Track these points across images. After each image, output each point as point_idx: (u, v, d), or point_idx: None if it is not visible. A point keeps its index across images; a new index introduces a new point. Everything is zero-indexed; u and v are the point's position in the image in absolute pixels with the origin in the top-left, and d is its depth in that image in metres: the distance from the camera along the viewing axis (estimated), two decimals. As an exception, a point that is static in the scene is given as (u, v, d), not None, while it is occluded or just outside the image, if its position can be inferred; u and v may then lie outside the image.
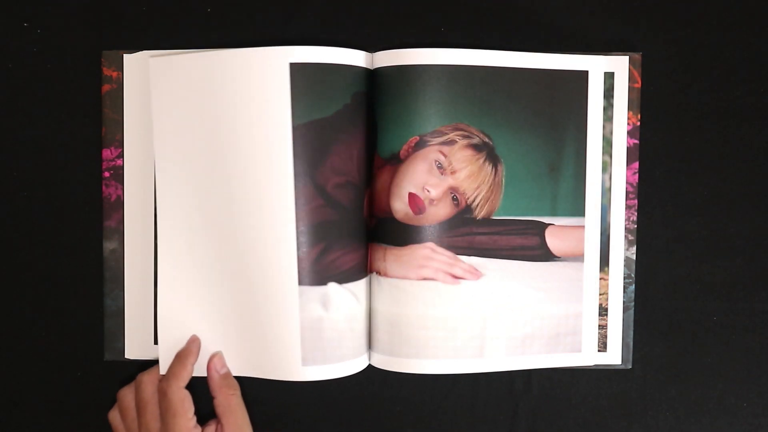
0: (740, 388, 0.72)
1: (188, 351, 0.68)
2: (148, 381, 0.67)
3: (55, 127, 0.71)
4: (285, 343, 0.67)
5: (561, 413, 0.70)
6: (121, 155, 0.70)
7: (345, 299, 0.68)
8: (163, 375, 0.67)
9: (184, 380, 0.66)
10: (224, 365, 0.69)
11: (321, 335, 0.67)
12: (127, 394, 0.68)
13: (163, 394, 0.66)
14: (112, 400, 0.72)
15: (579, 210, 0.70)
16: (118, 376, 0.72)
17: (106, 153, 0.71)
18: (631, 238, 0.70)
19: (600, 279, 0.70)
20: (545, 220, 0.70)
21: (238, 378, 0.69)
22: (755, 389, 0.72)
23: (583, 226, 0.70)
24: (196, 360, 0.68)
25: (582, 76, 0.69)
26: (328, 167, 0.67)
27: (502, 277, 0.69)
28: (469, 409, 0.72)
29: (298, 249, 0.66)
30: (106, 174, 0.71)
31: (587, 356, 0.70)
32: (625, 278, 0.71)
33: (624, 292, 0.71)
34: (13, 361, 0.72)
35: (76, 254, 0.71)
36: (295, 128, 0.66)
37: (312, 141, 0.66)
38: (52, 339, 0.72)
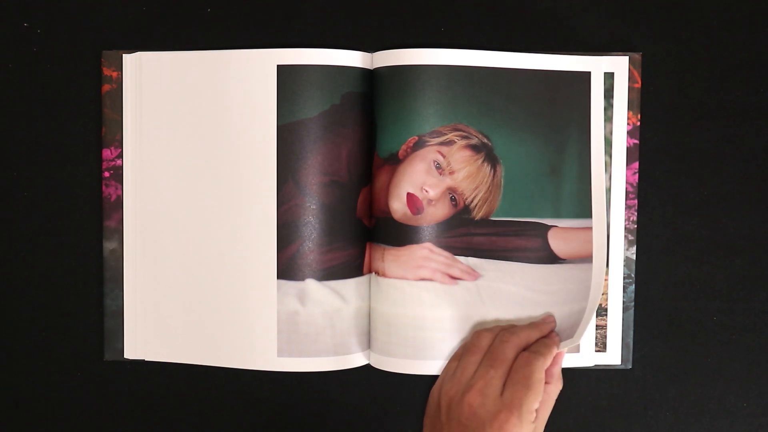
0: (740, 388, 0.72)
1: (553, 340, 0.66)
2: (513, 343, 0.64)
3: (55, 127, 0.71)
4: (261, 334, 0.69)
5: (561, 413, 0.70)
6: (121, 155, 0.71)
7: (324, 296, 0.69)
8: (531, 346, 0.65)
9: (548, 363, 0.64)
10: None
11: (296, 329, 0.69)
12: (484, 337, 0.65)
13: (526, 364, 0.62)
14: (112, 400, 0.72)
15: (583, 211, 0.69)
16: (118, 376, 0.72)
17: (106, 153, 0.71)
18: (631, 238, 0.70)
19: (601, 280, 0.70)
20: (548, 221, 0.69)
21: (214, 368, 0.71)
22: (755, 389, 0.72)
23: (587, 228, 0.69)
24: (558, 347, 0.66)
25: (584, 77, 0.69)
26: (312, 167, 0.68)
27: (500, 278, 0.69)
28: (469, 409, 0.72)
29: (278, 244, 0.68)
30: (106, 174, 0.71)
31: (586, 357, 0.70)
32: (625, 278, 0.71)
33: (624, 292, 0.71)
34: (13, 361, 0.72)
35: (76, 254, 0.71)
36: (279, 128, 0.68)
37: (295, 141, 0.68)
38: (52, 339, 0.72)
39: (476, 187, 0.68)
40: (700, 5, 0.70)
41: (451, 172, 0.68)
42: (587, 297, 0.68)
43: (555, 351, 0.65)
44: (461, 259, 0.68)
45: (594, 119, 0.69)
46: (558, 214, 0.69)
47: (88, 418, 0.72)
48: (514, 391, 0.61)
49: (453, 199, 0.68)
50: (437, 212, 0.68)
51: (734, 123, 0.70)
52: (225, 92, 0.69)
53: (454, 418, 0.61)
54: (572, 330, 0.67)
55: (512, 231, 0.69)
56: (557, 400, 0.65)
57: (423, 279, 0.68)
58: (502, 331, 0.65)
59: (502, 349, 0.63)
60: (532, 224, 0.69)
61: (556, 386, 0.65)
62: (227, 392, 0.72)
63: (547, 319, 0.68)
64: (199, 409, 0.72)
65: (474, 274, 0.69)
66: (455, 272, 0.68)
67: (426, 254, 0.68)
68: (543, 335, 0.66)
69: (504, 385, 0.62)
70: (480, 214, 0.69)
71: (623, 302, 0.70)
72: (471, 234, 0.69)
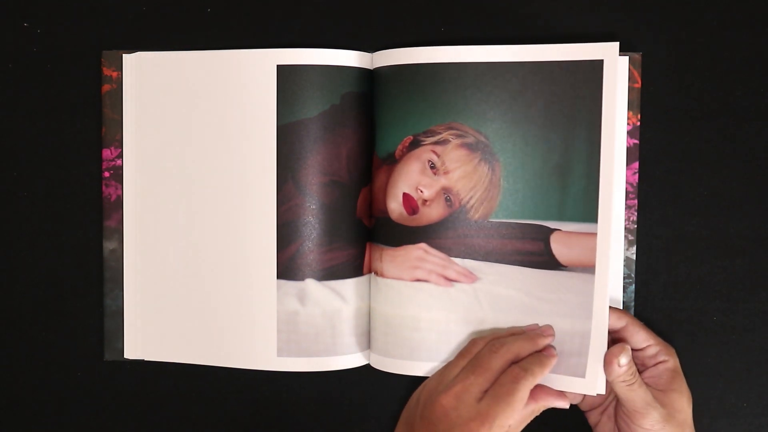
0: (740, 388, 0.71)
1: (550, 360, 0.63)
2: (501, 354, 0.62)
3: (55, 127, 0.71)
4: (261, 334, 0.69)
5: (560, 413, 0.70)
6: (121, 155, 0.71)
7: (324, 296, 0.69)
8: (523, 361, 0.62)
9: (537, 381, 0.62)
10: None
11: (296, 328, 0.69)
12: (477, 344, 0.64)
13: (513, 380, 0.60)
14: (112, 400, 0.72)
15: (590, 215, 0.65)
16: (118, 376, 0.72)
17: (106, 153, 0.71)
18: (631, 238, 0.70)
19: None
20: (551, 224, 0.66)
21: (214, 368, 0.71)
22: (755, 389, 0.71)
23: (593, 234, 0.65)
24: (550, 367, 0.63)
25: (595, 66, 0.64)
26: (312, 167, 0.68)
27: (498, 282, 0.67)
28: (469, 409, 0.72)
29: (278, 244, 0.69)
30: (106, 174, 0.71)
31: (590, 383, 0.65)
32: (625, 278, 0.70)
33: (624, 292, 0.70)
34: (13, 361, 0.72)
35: (76, 254, 0.72)
36: (279, 128, 0.68)
37: (295, 141, 0.68)
38: (52, 339, 0.72)
39: (473, 187, 0.67)
40: (700, 5, 0.70)
41: (446, 172, 0.67)
42: (590, 316, 0.64)
43: (548, 371, 0.63)
44: (458, 261, 0.67)
45: (605, 111, 0.64)
46: (562, 217, 0.66)
47: (88, 418, 0.72)
48: (493, 404, 0.59)
49: (448, 200, 0.67)
50: (432, 213, 0.67)
51: (734, 123, 0.70)
52: (225, 92, 0.69)
53: (426, 416, 0.61)
54: (579, 358, 0.64)
55: (512, 233, 0.67)
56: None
57: (418, 280, 0.67)
58: (493, 339, 0.64)
59: (489, 358, 0.62)
60: (533, 227, 0.67)
61: (541, 407, 0.63)
62: (227, 392, 0.72)
63: (545, 332, 0.65)
64: (199, 409, 0.72)
65: (471, 277, 0.67)
66: (451, 274, 0.67)
67: (420, 255, 0.67)
68: (537, 349, 0.64)
69: (484, 393, 0.60)
70: (477, 215, 0.67)
71: (623, 302, 0.70)
72: (468, 235, 0.67)
